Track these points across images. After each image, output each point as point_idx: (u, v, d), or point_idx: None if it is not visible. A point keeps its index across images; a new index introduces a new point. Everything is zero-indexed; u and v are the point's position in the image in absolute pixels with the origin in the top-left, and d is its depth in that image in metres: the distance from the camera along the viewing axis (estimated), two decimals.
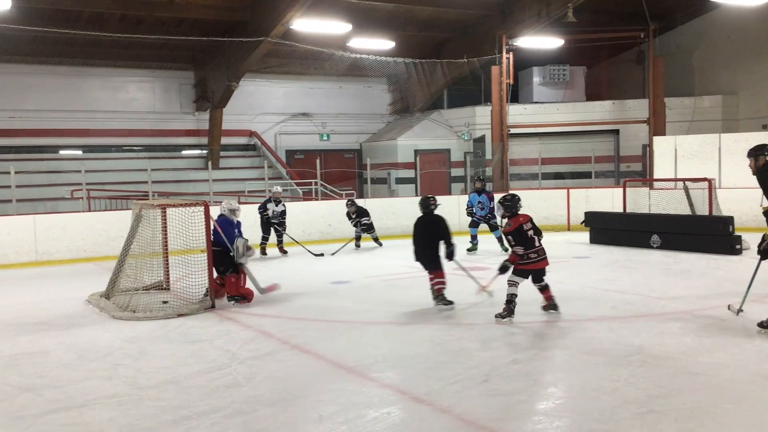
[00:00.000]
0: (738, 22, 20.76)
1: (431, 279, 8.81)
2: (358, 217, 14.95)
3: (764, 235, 6.72)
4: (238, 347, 6.90)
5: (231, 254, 9.14)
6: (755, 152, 7.06)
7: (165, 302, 8.98)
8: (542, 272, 7.83)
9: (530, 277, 7.79)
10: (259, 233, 14.27)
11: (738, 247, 12.50)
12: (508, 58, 20.39)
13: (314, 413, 5.03)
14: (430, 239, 8.85)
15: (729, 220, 12.85)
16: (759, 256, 6.87)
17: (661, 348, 6.37)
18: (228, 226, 9.35)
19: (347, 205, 15.09)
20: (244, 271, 9.27)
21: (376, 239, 15.28)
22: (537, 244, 7.76)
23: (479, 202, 13.48)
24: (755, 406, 4.91)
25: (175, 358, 6.58)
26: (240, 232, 9.50)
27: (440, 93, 24.44)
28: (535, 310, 7.94)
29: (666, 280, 10.23)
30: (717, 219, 13.41)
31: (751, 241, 11.91)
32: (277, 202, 14.43)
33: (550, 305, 7.92)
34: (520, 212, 7.99)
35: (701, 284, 9.77)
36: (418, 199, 9.43)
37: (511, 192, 8.33)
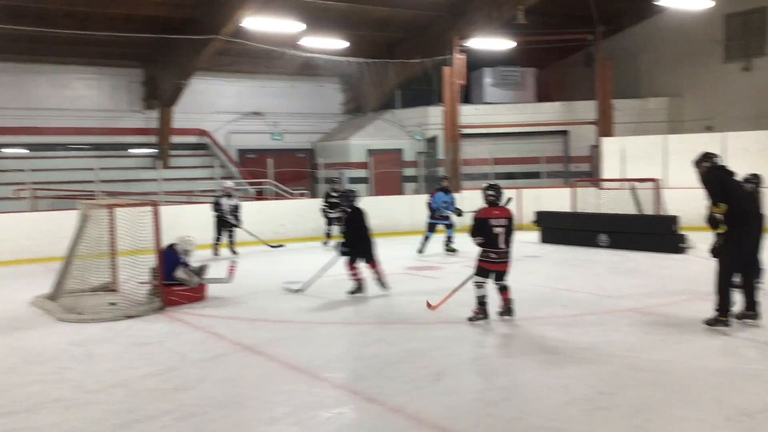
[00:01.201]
0: (683, 26, 21.28)
1: (374, 269, 9.49)
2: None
3: (716, 235, 6.90)
4: (189, 349, 6.81)
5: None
6: (697, 161, 7.28)
7: (113, 304, 8.80)
8: (503, 272, 7.62)
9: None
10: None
11: (682, 245, 12.82)
12: (460, 59, 20.54)
13: (266, 415, 4.99)
14: (365, 231, 9.57)
15: (674, 220, 13.17)
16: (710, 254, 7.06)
17: (609, 345, 6.50)
18: (168, 262, 9.09)
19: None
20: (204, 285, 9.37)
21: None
22: (501, 245, 7.48)
23: (444, 202, 13.40)
24: (699, 400, 5.04)
25: (124, 361, 6.47)
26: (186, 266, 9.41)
27: (393, 93, 24.47)
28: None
29: (614, 279, 10.45)
30: (663, 218, 13.75)
31: (696, 239, 12.28)
32: (229, 196, 14.21)
33: (505, 310, 7.62)
34: (501, 206, 7.69)
35: (647, 282, 10.00)
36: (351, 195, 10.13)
37: (490, 182, 8.01)
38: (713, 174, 6.96)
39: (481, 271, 7.59)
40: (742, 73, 20.90)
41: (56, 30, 17.34)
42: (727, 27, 21.21)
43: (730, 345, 6.43)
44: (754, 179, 8.85)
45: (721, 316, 6.84)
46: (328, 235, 14.94)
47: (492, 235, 7.47)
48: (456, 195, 14.41)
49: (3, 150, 21.08)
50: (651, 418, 4.68)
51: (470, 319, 7.54)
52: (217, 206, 14.06)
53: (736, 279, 7.54)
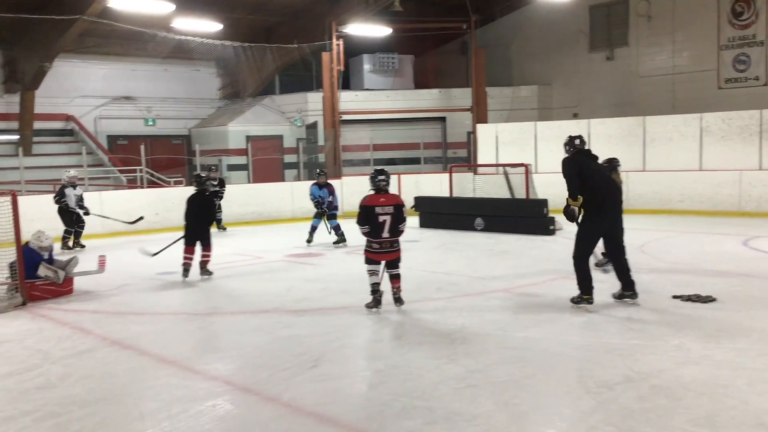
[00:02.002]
0: (550, 16, 22.18)
1: (205, 254, 9.84)
2: (220, 185, 14.61)
3: (567, 200, 7.18)
4: (52, 346, 6.46)
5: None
6: (564, 145, 7.51)
7: None
8: (393, 261, 7.44)
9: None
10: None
11: (552, 228, 13.40)
12: (338, 45, 20.51)
13: (135, 411, 4.81)
14: (205, 217, 9.99)
15: (544, 203, 13.74)
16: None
17: (481, 325, 6.70)
18: (28, 262, 8.54)
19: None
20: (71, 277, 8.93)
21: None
22: (385, 234, 7.30)
23: (320, 196, 13.08)
24: (565, 375, 5.28)
25: None
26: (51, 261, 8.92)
27: (271, 78, 24.16)
28: (361, 293, 7.92)
29: (488, 261, 10.79)
30: (533, 202, 14.31)
31: (564, 222, 12.86)
32: (74, 186, 13.37)
33: (396, 298, 7.47)
34: (387, 192, 7.53)
35: (519, 263, 10.40)
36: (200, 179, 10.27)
37: (377, 168, 7.84)
38: (572, 163, 7.17)
39: (368, 260, 7.46)
40: (605, 62, 22.05)
41: None
42: (591, 18, 22.30)
43: (592, 321, 6.76)
44: (614, 162, 9.37)
45: (584, 294, 7.19)
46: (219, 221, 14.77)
47: (377, 223, 7.31)
48: (337, 182, 14.29)
49: None
50: (518, 394, 4.86)
51: (366, 306, 7.45)
52: (61, 197, 13.19)
53: (602, 260, 7.97)
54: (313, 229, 13.02)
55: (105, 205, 15.08)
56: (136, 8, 16.75)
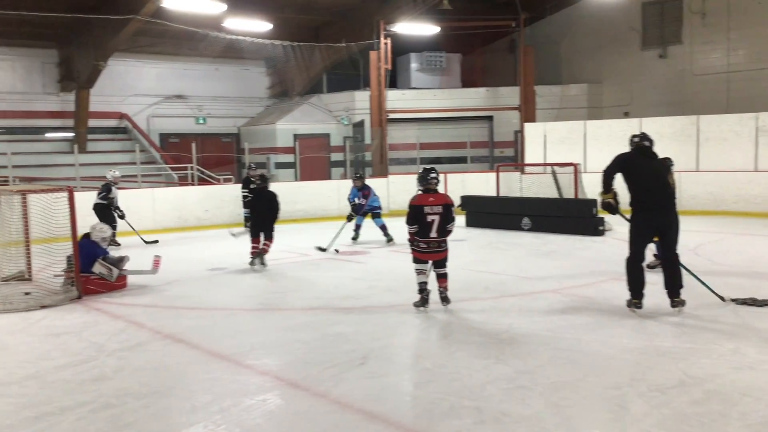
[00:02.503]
0: (601, 13, 21.86)
1: (266, 244, 10.45)
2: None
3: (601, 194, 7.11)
4: (107, 339, 6.62)
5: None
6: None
7: (27, 293, 8.48)
8: (440, 260, 7.40)
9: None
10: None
11: (601, 228, 13.21)
12: (386, 44, 20.54)
13: (187, 404, 4.90)
14: (270, 211, 10.67)
15: (593, 203, 13.52)
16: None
17: (530, 326, 6.64)
18: (86, 255, 8.77)
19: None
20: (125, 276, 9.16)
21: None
22: (433, 233, 7.26)
23: (356, 201, 13.01)
24: (616, 378, 5.18)
25: (38, 352, 6.24)
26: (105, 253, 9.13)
27: (319, 77, 24.32)
28: (408, 291, 7.92)
29: (535, 261, 10.69)
30: (582, 202, 14.12)
31: (613, 222, 12.67)
32: (115, 186, 13.30)
33: (442, 297, 7.41)
34: (437, 192, 7.48)
35: (567, 264, 10.26)
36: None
37: (426, 166, 7.80)
38: (616, 159, 7.06)
39: (415, 259, 7.45)
40: (658, 60, 21.65)
41: None
42: (644, 15, 21.93)
43: (644, 324, 6.64)
44: (667, 162, 9.15)
45: (633, 298, 7.04)
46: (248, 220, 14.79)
47: (425, 223, 7.28)
48: (383, 180, 14.28)
49: None
50: (568, 396, 4.81)
51: (414, 305, 7.44)
52: (108, 193, 13.06)
53: (653, 262, 7.79)
54: (358, 227, 13.10)
55: (157, 201, 15.41)
56: (189, 8, 17.03)
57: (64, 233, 8.69)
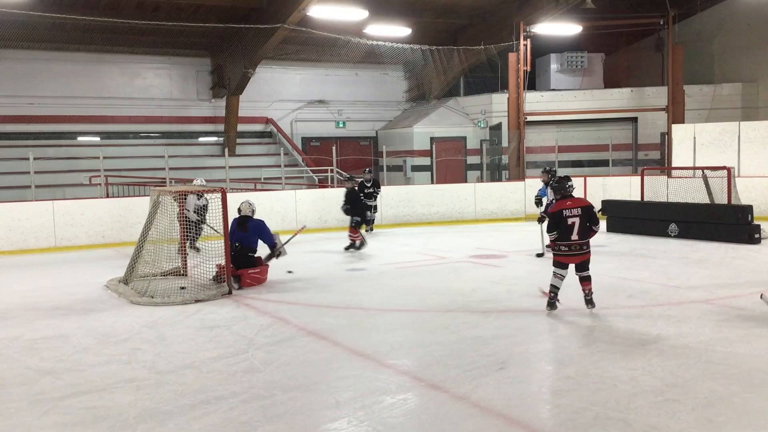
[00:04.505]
0: (759, 8, 20.47)
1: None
2: (374, 186, 15.05)
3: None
4: (255, 333, 6.95)
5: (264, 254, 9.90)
6: None
7: (183, 288, 9.03)
8: (582, 263, 7.41)
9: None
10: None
11: (757, 236, 12.41)
12: (525, 45, 20.23)
13: (331, 399, 5.06)
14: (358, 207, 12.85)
15: (748, 209, 12.74)
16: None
17: (679, 337, 6.34)
18: (263, 228, 9.80)
19: (365, 172, 15.23)
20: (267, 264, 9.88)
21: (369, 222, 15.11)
22: (574, 236, 7.29)
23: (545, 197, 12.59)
24: None
25: (193, 344, 6.64)
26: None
27: (457, 80, 24.31)
28: (544, 298, 7.77)
29: (684, 269, 10.17)
30: (736, 208, 13.30)
31: None
32: (200, 196, 12.06)
33: (587, 300, 7.43)
34: (573, 197, 7.55)
35: (720, 273, 9.71)
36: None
37: (561, 175, 7.95)
38: None
39: (556, 262, 7.48)
40: None
41: (127, 20, 17.82)
42: None
43: None
44: None
45: None
46: (369, 222, 15.11)
47: (566, 226, 7.31)
48: (520, 183, 14.02)
49: (77, 138, 21.82)
50: (723, 412, 4.56)
51: (546, 307, 7.50)
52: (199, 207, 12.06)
53: None
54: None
55: (299, 202, 15.97)
56: (333, 16, 17.53)
57: (209, 233, 9.22)
